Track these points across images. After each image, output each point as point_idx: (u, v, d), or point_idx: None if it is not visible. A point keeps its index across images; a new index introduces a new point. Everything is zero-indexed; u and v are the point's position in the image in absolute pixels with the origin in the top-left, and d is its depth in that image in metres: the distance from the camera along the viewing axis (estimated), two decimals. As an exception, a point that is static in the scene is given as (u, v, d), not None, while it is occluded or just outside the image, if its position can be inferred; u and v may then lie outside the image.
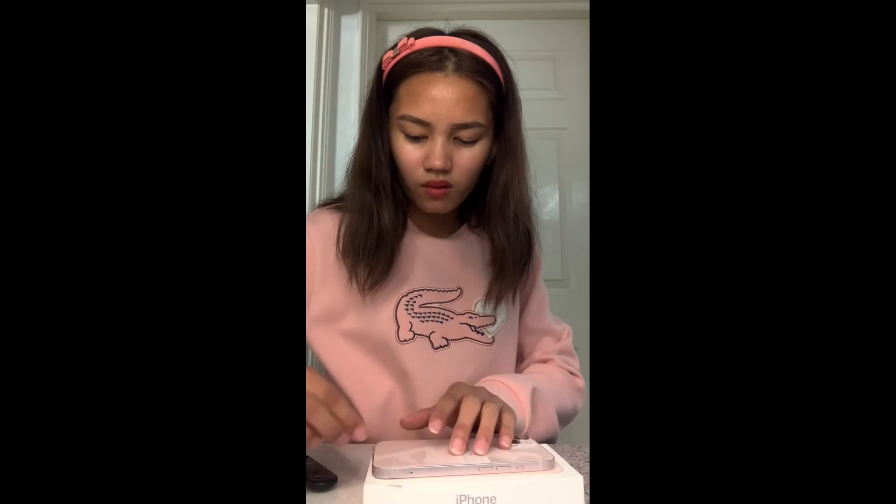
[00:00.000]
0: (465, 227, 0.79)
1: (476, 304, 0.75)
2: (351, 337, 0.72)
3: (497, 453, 0.47)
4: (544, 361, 0.82)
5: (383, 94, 0.69)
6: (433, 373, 0.72)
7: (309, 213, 0.78)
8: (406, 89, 0.65)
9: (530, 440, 0.52)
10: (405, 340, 0.72)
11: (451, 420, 0.53)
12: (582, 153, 1.73)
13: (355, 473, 0.53)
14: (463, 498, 0.41)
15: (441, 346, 0.73)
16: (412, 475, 0.42)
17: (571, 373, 0.81)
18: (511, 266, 0.73)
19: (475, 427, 0.51)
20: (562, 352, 0.83)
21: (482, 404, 0.53)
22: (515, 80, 0.71)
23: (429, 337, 0.73)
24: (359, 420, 0.47)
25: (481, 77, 0.65)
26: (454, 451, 0.47)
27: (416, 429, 0.56)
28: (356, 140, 0.74)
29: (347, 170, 0.74)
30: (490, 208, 0.72)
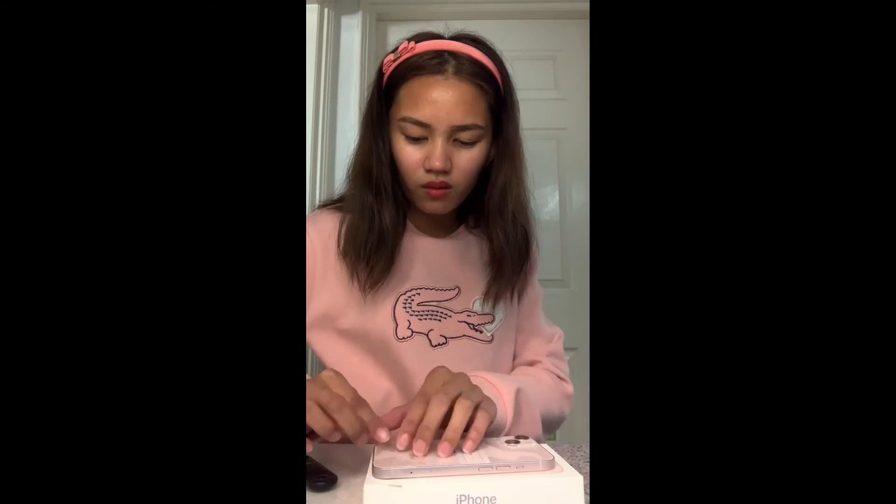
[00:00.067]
0: (463, 227, 0.80)
1: (474, 303, 0.76)
2: (350, 336, 0.73)
3: (497, 453, 0.47)
4: (532, 363, 0.81)
5: (384, 96, 0.70)
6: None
7: (309, 213, 0.79)
8: (406, 92, 0.66)
9: (530, 440, 0.52)
10: (403, 338, 0.72)
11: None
12: (582, 153, 1.73)
13: (355, 473, 0.53)
14: (463, 498, 0.41)
15: (439, 344, 0.73)
16: (412, 475, 0.42)
17: (560, 377, 0.80)
18: (509, 265, 0.74)
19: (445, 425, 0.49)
20: (551, 354, 0.83)
21: (456, 399, 0.50)
22: (513, 83, 0.72)
23: (427, 335, 0.73)
24: (382, 423, 0.49)
25: (480, 80, 0.66)
26: (416, 453, 0.46)
27: (393, 428, 0.52)
28: (357, 142, 0.75)
29: (348, 171, 0.75)
30: (489, 209, 0.73)
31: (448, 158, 0.66)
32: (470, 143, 0.67)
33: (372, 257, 0.70)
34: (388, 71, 0.69)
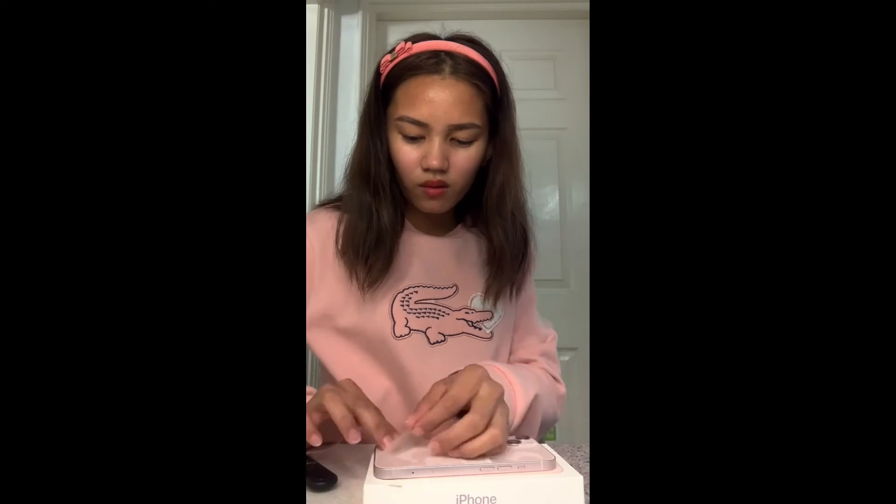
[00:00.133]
0: (460, 226, 0.80)
1: (472, 300, 0.76)
2: (348, 334, 0.73)
3: (499, 453, 0.47)
4: (527, 362, 0.82)
5: (381, 96, 0.71)
6: (430, 368, 0.72)
7: (307, 213, 0.79)
8: (404, 91, 0.67)
9: (531, 440, 0.52)
10: (401, 336, 0.72)
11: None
12: (582, 153, 1.73)
13: (355, 473, 0.53)
14: (463, 498, 0.41)
15: (438, 342, 0.74)
16: (414, 475, 0.42)
17: (555, 378, 0.81)
18: (509, 263, 0.75)
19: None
20: (545, 354, 0.83)
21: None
22: (510, 83, 0.72)
23: (425, 332, 0.73)
24: (390, 430, 0.51)
25: (477, 80, 0.66)
26: (431, 453, 0.46)
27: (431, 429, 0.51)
28: (354, 141, 0.75)
29: (346, 171, 0.76)
30: (487, 207, 0.73)
31: (445, 157, 0.66)
32: (467, 143, 0.67)
33: (370, 256, 0.70)
34: (385, 71, 0.70)
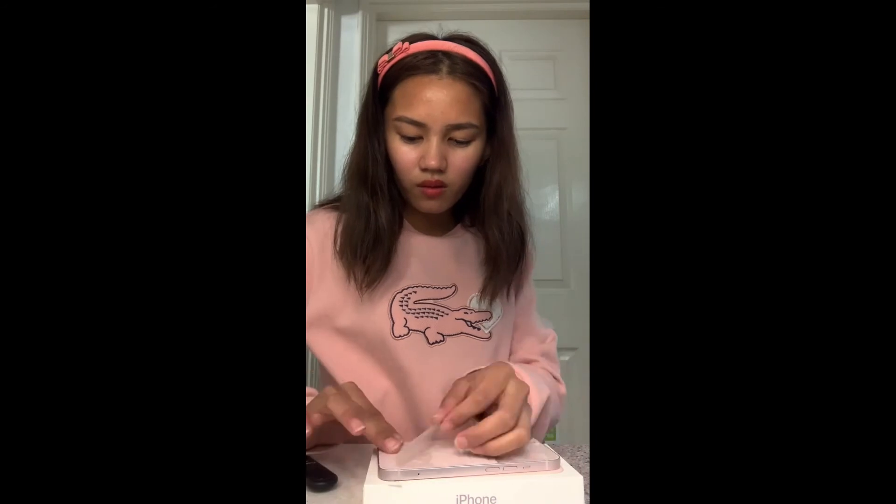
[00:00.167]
0: (459, 226, 0.80)
1: (471, 300, 0.76)
2: (347, 334, 0.73)
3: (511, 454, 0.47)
4: (528, 362, 0.82)
5: (378, 97, 0.71)
6: (429, 368, 0.72)
7: (307, 213, 0.79)
8: (401, 92, 0.67)
9: (534, 440, 0.51)
10: (400, 336, 0.72)
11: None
12: (582, 153, 1.73)
13: (355, 473, 0.53)
14: (463, 498, 0.41)
15: (437, 342, 0.74)
16: (419, 476, 0.42)
17: (555, 378, 0.81)
18: (506, 262, 0.75)
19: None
20: (545, 354, 0.83)
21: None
22: (507, 83, 0.72)
23: (424, 332, 0.73)
24: (393, 433, 0.50)
25: (474, 79, 0.66)
26: (458, 447, 0.46)
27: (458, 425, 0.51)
28: (352, 142, 0.75)
29: (344, 171, 0.76)
30: (484, 207, 0.73)
31: (443, 157, 0.66)
32: (465, 142, 0.67)
33: (368, 256, 0.70)
34: (382, 71, 0.70)
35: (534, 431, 0.65)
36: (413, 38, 0.69)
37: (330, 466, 0.53)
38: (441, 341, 0.74)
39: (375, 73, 0.71)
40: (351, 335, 0.73)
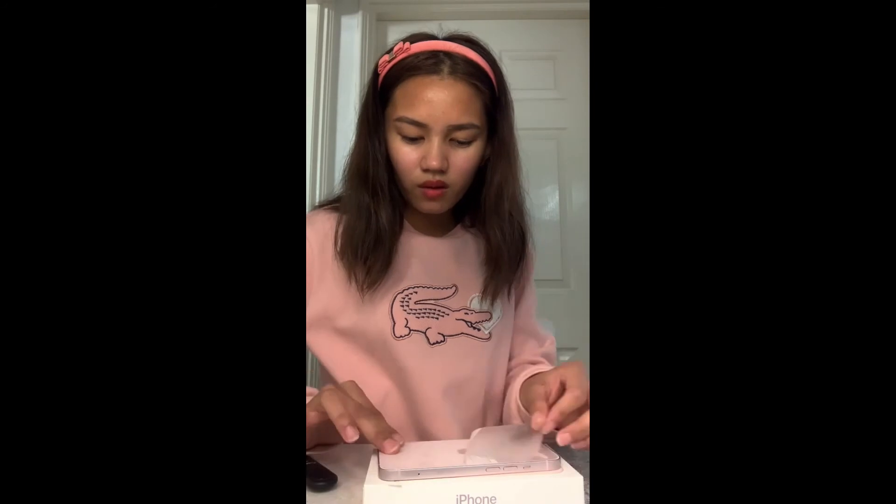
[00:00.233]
0: (459, 226, 0.80)
1: (471, 301, 0.76)
2: (347, 335, 0.73)
3: (504, 454, 0.47)
4: (534, 363, 0.82)
5: (379, 97, 0.71)
6: (430, 368, 0.72)
7: (306, 213, 0.79)
8: (402, 92, 0.67)
9: None
10: (401, 336, 0.72)
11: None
12: (582, 153, 1.73)
13: (355, 474, 0.53)
14: (463, 498, 0.41)
15: (437, 342, 0.74)
16: (420, 476, 0.42)
17: None
18: (506, 262, 0.75)
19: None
20: (546, 356, 0.84)
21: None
22: (508, 83, 0.72)
23: (424, 333, 0.73)
24: (393, 434, 0.50)
25: (476, 80, 0.66)
26: (560, 443, 0.48)
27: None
28: (352, 142, 0.75)
29: (344, 172, 0.76)
30: (485, 207, 0.73)
31: (444, 158, 0.66)
32: (466, 143, 0.67)
33: (369, 257, 0.70)
34: (383, 72, 0.70)
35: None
36: (414, 38, 0.69)
37: (330, 466, 0.53)
38: (442, 341, 0.74)
39: (376, 73, 0.71)
40: (351, 336, 0.73)
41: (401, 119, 0.66)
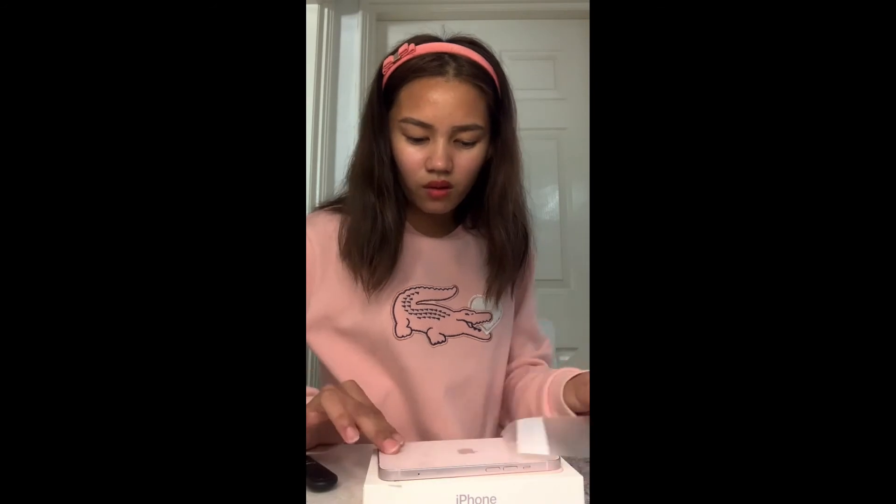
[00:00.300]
0: (460, 227, 0.81)
1: (472, 302, 0.77)
2: (349, 335, 0.73)
3: (503, 454, 0.47)
4: (535, 364, 0.83)
5: (383, 98, 0.71)
6: (431, 368, 0.72)
7: (307, 215, 0.79)
8: (407, 93, 0.67)
9: None
10: (403, 336, 0.72)
11: None
12: (582, 153, 1.73)
13: (355, 474, 0.53)
14: (463, 498, 0.41)
15: (439, 342, 0.74)
16: (419, 476, 0.42)
17: None
18: (510, 262, 0.75)
19: None
20: (544, 358, 0.85)
21: None
22: (510, 85, 0.73)
23: (426, 333, 0.73)
24: (394, 433, 0.49)
25: (480, 81, 0.67)
26: None
27: None
28: (356, 143, 0.75)
29: (348, 172, 0.76)
30: (489, 207, 0.74)
31: (449, 158, 0.67)
32: (470, 144, 0.68)
33: (375, 256, 0.71)
34: (387, 73, 0.70)
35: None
36: (418, 40, 0.70)
37: (330, 466, 0.53)
38: (443, 342, 0.74)
39: (380, 74, 0.72)
40: (353, 336, 0.73)
41: (406, 120, 0.66)
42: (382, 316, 0.72)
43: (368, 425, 0.49)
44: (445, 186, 0.68)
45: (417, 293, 0.74)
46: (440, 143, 0.66)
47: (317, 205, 0.83)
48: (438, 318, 0.74)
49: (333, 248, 0.74)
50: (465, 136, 0.67)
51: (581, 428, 0.51)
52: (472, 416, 0.75)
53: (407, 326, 0.73)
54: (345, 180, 0.77)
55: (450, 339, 0.74)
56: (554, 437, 0.47)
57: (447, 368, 0.73)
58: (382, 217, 0.71)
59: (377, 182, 0.71)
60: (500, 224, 0.74)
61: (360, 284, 0.72)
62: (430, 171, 0.67)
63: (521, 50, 1.76)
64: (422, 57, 0.67)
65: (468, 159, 0.68)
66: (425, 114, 0.65)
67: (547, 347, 0.87)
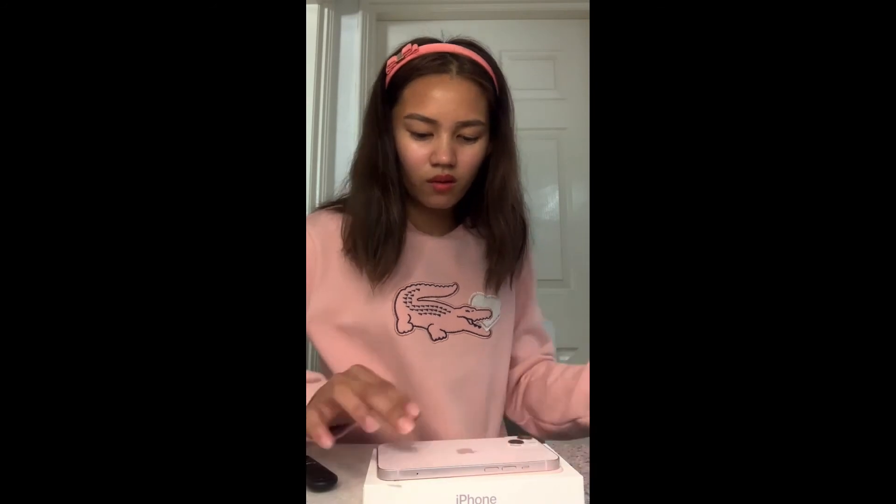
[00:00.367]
0: (460, 226, 0.82)
1: (472, 299, 0.78)
2: (350, 331, 0.74)
3: (502, 454, 0.47)
4: (541, 361, 0.84)
5: (387, 96, 0.73)
6: (433, 364, 0.73)
7: (308, 214, 0.80)
8: (412, 91, 0.70)
9: (533, 440, 0.51)
10: (404, 332, 0.73)
11: None
12: (582, 153, 1.73)
13: (355, 473, 0.53)
14: (463, 498, 0.41)
15: (439, 338, 0.75)
16: (418, 476, 0.42)
17: None
18: (509, 252, 0.77)
19: None
20: (548, 355, 0.86)
21: None
22: (508, 84, 0.76)
23: (427, 329, 0.74)
24: (409, 405, 0.48)
25: (481, 79, 0.70)
26: None
27: None
28: (360, 141, 0.77)
29: (351, 170, 0.78)
30: (489, 199, 0.76)
31: (453, 153, 0.69)
32: (472, 139, 0.70)
33: (379, 249, 0.72)
34: (391, 72, 0.72)
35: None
36: (421, 41, 0.73)
37: (330, 466, 0.53)
38: (443, 338, 0.75)
39: (383, 74, 0.74)
40: (354, 332, 0.74)
41: (411, 116, 0.69)
42: (384, 312, 0.73)
43: (382, 403, 0.48)
44: (449, 180, 0.70)
45: (418, 290, 0.75)
46: (444, 138, 0.68)
47: (317, 205, 0.84)
48: (439, 315, 0.75)
49: (335, 246, 0.75)
50: (468, 131, 0.69)
51: None
52: (473, 412, 0.76)
53: (408, 322, 0.74)
54: (347, 179, 0.78)
55: (450, 336, 0.75)
56: None
57: (448, 365, 0.74)
58: (387, 211, 0.72)
59: (382, 177, 0.73)
60: (499, 216, 0.76)
61: (363, 279, 0.73)
62: (435, 165, 0.69)
63: (521, 50, 1.76)
64: (425, 56, 0.70)
65: (470, 154, 0.70)
66: (430, 110, 0.68)
67: (551, 346, 0.88)
